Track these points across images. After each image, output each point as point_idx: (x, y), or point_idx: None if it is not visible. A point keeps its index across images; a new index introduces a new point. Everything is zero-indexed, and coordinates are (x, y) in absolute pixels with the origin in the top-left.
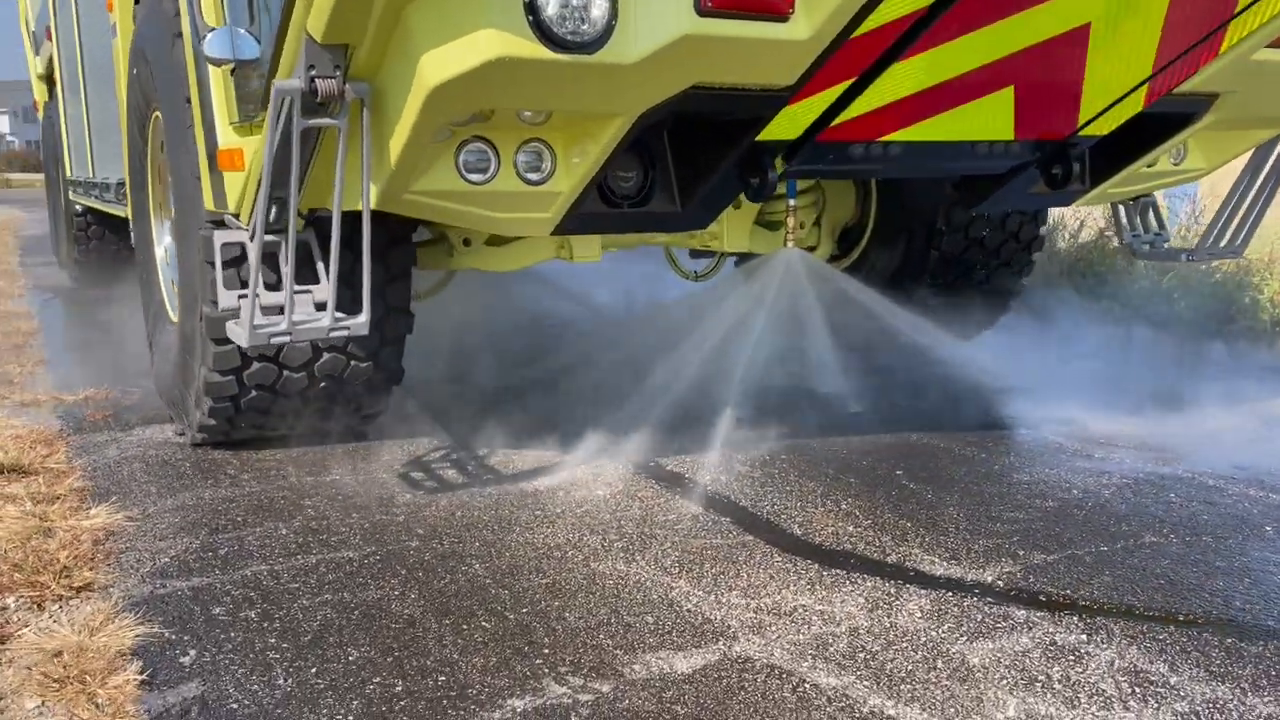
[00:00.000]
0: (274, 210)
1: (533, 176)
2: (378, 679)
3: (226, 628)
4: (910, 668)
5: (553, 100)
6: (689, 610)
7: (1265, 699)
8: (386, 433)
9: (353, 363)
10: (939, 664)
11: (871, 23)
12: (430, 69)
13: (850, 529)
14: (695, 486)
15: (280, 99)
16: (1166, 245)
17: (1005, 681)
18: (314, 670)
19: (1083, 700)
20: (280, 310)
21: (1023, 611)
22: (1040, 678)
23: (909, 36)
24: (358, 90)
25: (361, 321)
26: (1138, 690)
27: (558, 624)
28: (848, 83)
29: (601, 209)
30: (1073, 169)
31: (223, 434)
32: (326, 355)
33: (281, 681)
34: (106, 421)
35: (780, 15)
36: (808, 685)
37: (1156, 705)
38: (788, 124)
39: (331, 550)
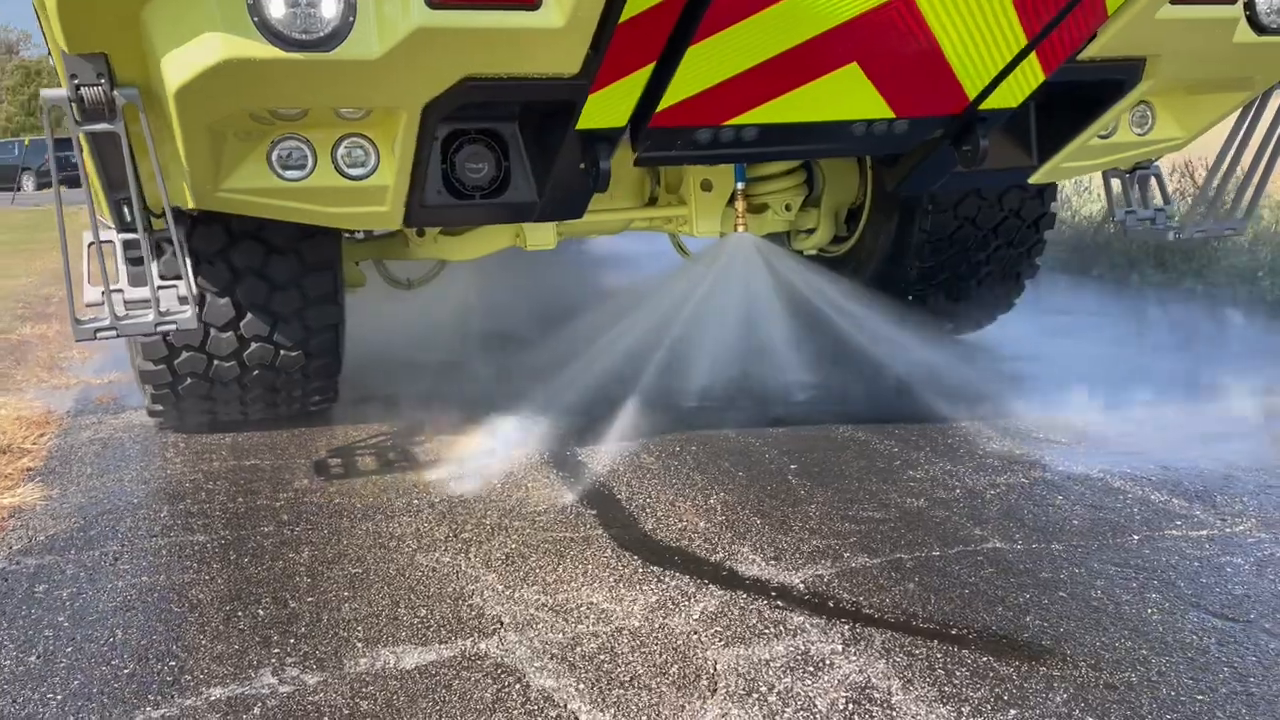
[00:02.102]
0: (125, 209)
1: (355, 172)
2: (117, 660)
3: (35, 604)
4: (640, 672)
5: (313, 97)
6: (471, 605)
7: None
8: (341, 418)
9: (282, 352)
10: (672, 670)
11: (637, 6)
12: (170, 72)
13: (701, 524)
14: (587, 477)
15: (48, 107)
16: (1170, 221)
17: (723, 691)
18: (70, 649)
19: (784, 715)
20: (145, 304)
21: (801, 617)
22: (762, 688)
23: (689, 18)
24: (127, 95)
25: (188, 316)
26: (849, 708)
27: (327, 614)
28: (648, 67)
29: (449, 201)
30: (979, 145)
31: (175, 418)
32: (254, 345)
33: (33, 659)
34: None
35: (528, 5)
36: (519, 686)
37: None
38: (606, 112)
39: (189, 534)
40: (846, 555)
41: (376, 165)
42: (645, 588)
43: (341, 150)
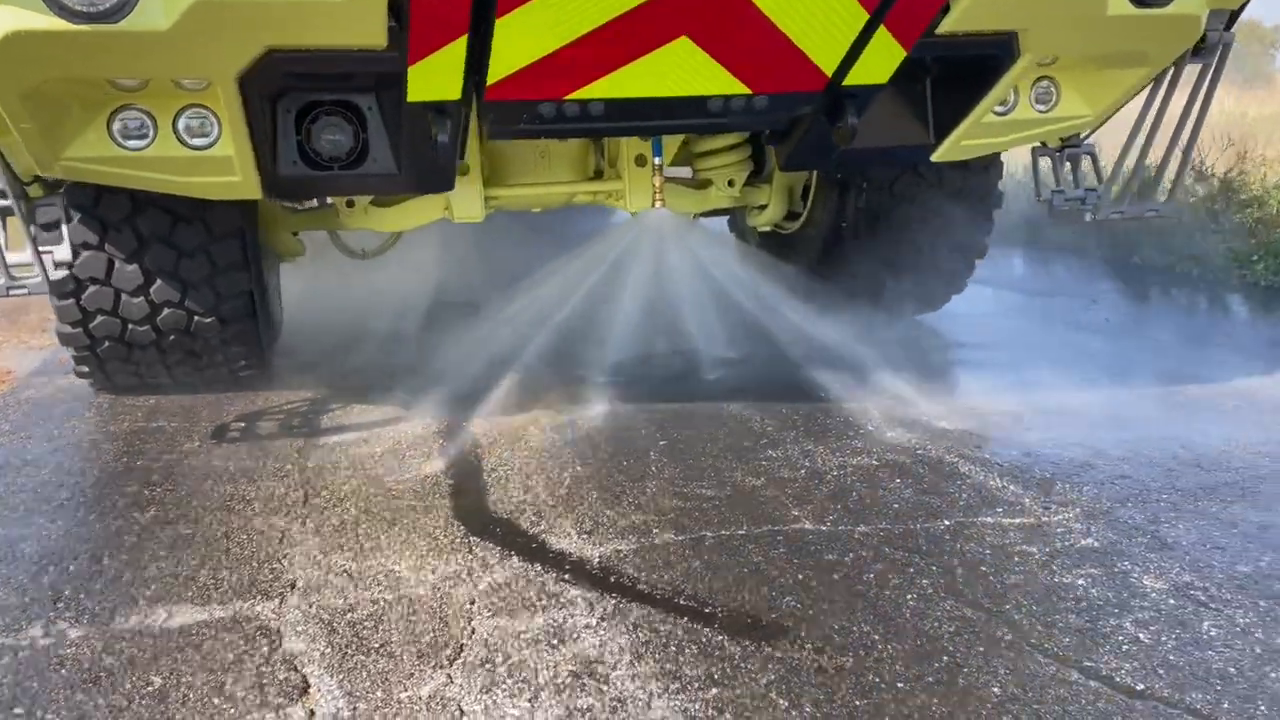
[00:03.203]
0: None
1: (197, 142)
2: None
3: None
4: (393, 640)
5: (111, 69)
6: (275, 568)
7: (674, 700)
8: (273, 384)
9: (195, 318)
10: (425, 639)
11: None
12: None
13: (542, 497)
14: (467, 447)
15: None
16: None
17: (460, 661)
18: None
19: (501, 685)
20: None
21: (577, 592)
22: (496, 658)
23: None
24: None
25: (37, 281)
26: (566, 680)
27: (131, 573)
28: (460, 40)
29: (306, 172)
30: (849, 122)
31: (102, 380)
32: (166, 310)
33: None
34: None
35: None
36: (268, 649)
37: (564, 695)
38: (432, 84)
39: (58, 490)
40: (655, 532)
41: (219, 136)
42: (452, 558)
43: (183, 121)
